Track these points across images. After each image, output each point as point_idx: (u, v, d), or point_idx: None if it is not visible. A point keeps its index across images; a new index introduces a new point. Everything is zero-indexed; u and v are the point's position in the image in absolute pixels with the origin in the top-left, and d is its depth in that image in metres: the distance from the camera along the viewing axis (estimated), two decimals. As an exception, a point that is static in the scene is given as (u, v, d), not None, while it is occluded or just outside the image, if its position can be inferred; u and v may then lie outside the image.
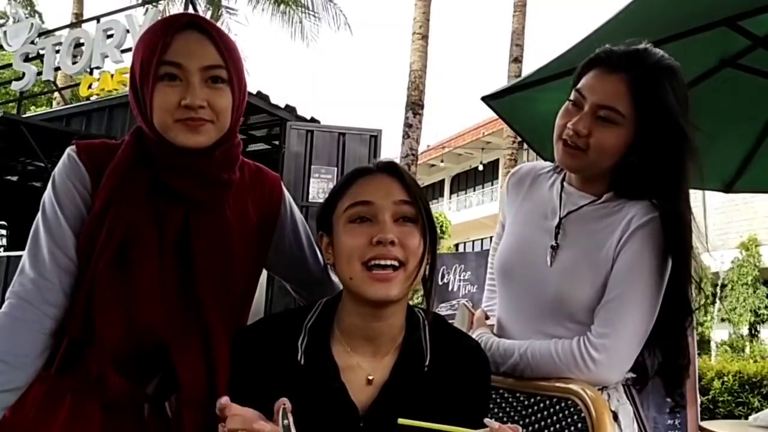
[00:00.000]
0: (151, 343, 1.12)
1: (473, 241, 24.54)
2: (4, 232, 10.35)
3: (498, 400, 1.33)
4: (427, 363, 1.12)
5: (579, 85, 1.35)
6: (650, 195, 1.33)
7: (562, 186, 1.44)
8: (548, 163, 1.54)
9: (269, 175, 1.31)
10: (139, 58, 1.12)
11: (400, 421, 0.94)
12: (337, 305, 1.15)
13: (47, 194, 1.17)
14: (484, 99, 2.79)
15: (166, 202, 1.15)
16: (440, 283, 6.61)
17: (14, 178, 10.02)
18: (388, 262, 1.06)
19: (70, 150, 1.18)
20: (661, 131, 1.28)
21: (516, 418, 1.29)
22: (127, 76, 5.77)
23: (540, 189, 1.49)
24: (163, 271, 1.14)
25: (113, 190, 1.13)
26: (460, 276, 6.54)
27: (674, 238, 1.28)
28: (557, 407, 1.24)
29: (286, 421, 0.87)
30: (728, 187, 3.34)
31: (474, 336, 1.40)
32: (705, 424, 3.54)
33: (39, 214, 1.17)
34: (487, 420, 0.96)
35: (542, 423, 1.25)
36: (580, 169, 1.37)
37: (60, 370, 1.13)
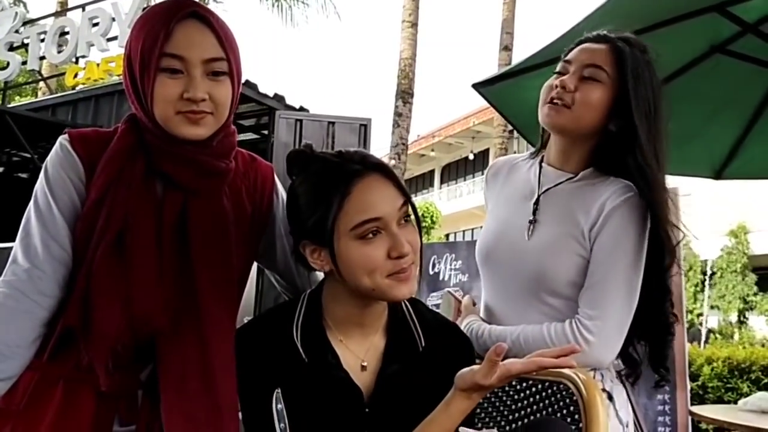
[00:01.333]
0: (147, 332, 1.12)
1: (464, 231, 24.59)
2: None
3: None
4: (422, 345, 1.14)
5: (566, 57, 1.43)
6: (627, 171, 1.36)
7: (541, 167, 1.48)
8: (521, 154, 1.60)
9: (262, 164, 1.32)
10: (139, 46, 1.10)
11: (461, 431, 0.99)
12: (319, 297, 1.16)
13: (39, 184, 1.16)
14: (475, 86, 2.78)
15: (164, 190, 1.15)
16: (431, 272, 6.63)
17: (0, 170, 9.94)
18: (405, 265, 1.07)
19: (62, 139, 1.16)
20: (639, 99, 1.35)
21: (508, 402, 1.31)
22: (113, 65, 5.72)
23: (518, 174, 1.53)
24: (161, 260, 1.14)
25: (110, 178, 1.12)
26: (451, 265, 6.54)
27: (651, 217, 1.33)
28: (549, 391, 1.25)
29: (279, 406, 0.87)
30: (718, 174, 3.36)
31: (463, 324, 1.43)
32: (695, 408, 3.58)
33: (31, 204, 1.16)
34: (462, 429, 0.99)
35: (534, 407, 1.26)
36: (564, 126, 1.40)
37: (52, 358, 1.13)
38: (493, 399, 1.33)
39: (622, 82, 1.35)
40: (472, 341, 1.29)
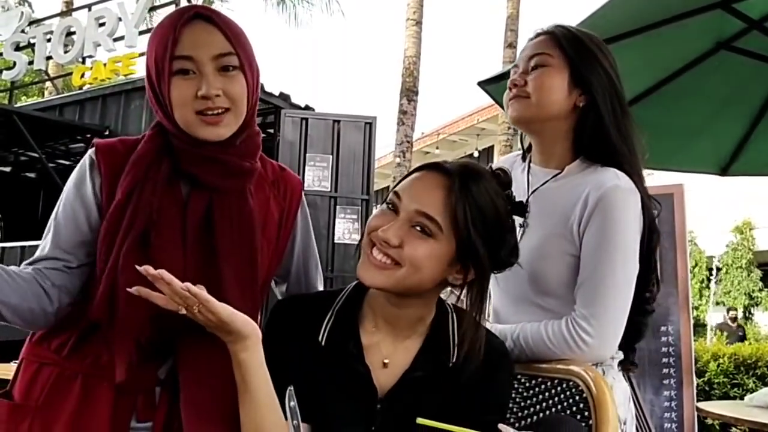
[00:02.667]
0: (171, 327, 1.12)
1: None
2: (-4, 224, 10.31)
3: None
4: (453, 360, 1.11)
5: (514, 64, 1.47)
6: (611, 157, 1.37)
7: (529, 167, 1.48)
8: (513, 155, 1.60)
9: (291, 175, 1.34)
10: (153, 56, 1.14)
11: (419, 420, 0.95)
12: (366, 289, 1.16)
13: (64, 193, 1.20)
14: (480, 84, 2.79)
15: (189, 190, 1.18)
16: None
17: (7, 169, 9.97)
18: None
19: (90, 152, 1.20)
20: (593, 74, 1.38)
21: (518, 399, 1.31)
22: (120, 65, 5.76)
23: (514, 175, 1.51)
24: (185, 257, 1.15)
25: (136, 179, 1.14)
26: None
27: (634, 208, 1.32)
28: (559, 388, 1.25)
29: (292, 403, 0.88)
30: (724, 170, 3.36)
31: None
32: (701, 404, 3.57)
33: (57, 209, 1.20)
34: (501, 426, 0.96)
35: (544, 404, 1.27)
36: (530, 116, 1.41)
37: (70, 354, 1.15)
38: None
39: (570, 60, 1.38)
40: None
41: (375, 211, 1.30)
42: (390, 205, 1.10)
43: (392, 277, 1.06)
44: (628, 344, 1.38)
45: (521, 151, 1.56)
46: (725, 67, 2.73)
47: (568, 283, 1.34)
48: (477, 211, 1.07)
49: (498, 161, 1.62)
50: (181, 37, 1.12)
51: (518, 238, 1.34)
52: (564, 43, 1.39)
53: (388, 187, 9.01)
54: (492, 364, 1.14)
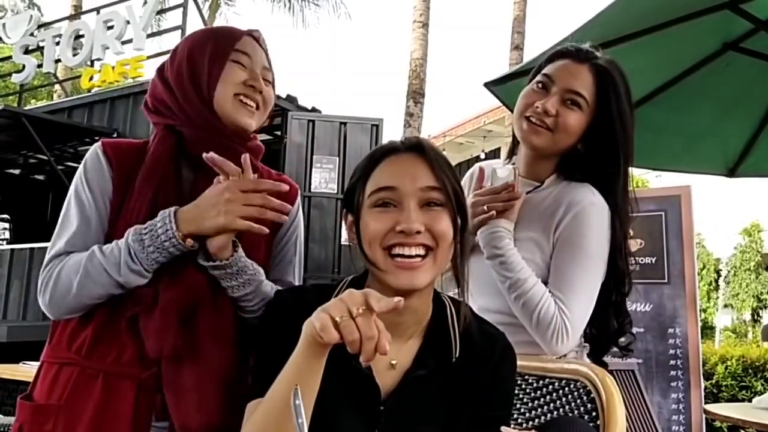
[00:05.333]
0: (194, 302, 1.18)
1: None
2: (7, 225, 10.38)
3: None
4: (456, 356, 1.09)
5: (547, 70, 1.48)
6: (590, 178, 1.46)
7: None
8: (497, 160, 1.68)
9: (288, 181, 1.38)
10: (208, 45, 1.26)
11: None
12: (363, 283, 1.13)
13: (75, 184, 1.23)
14: (487, 85, 2.79)
15: (194, 179, 1.24)
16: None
17: (16, 172, 10.03)
18: (413, 251, 1.03)
19: (96, 146, 1.25)
20: (612, 122, 1.43)
21: (525, 400, 1.31)
22: (128, 68, 5.81)
23: (496, 182, 1.53)
24: None
25: (161, 174, 1.21)
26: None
27: (611, 220, 1.43)
28: (566, 389, 1.25)
29: (297, 401, 0.87)
30: (731, 171, 3.34)
31: (503, 223, 1.44)
32: (709, 407, 3.56)
33: (68, 202, 1.23)
34: (504, 428, 0.95)
35: (552, 405, 1.27)
36: (543, 146, 1.47)
37: (90, 353, 1.16)
38: None
39: (599, 108, 1.44)
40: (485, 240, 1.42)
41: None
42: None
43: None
44: (611, 340, 1.47)
45: (500, 159, 1.66)
46: (732, 68, 2.72)
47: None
48: None
49: (477, 166, 1.64)
50: (243, 41, 1.28)
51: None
52: (601, 91, 1.44)
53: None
54: (495, 357, 1.12)
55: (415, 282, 1.03)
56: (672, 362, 3.45)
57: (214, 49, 1.26)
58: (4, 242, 9.35)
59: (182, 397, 1.15)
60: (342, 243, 6.43)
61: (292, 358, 0.95)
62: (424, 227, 1.03)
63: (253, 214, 1.14)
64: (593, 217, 1.42)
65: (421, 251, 1.03)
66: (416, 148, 1.08)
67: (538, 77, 1.49)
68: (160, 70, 1.29)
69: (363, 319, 0.88)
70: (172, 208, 1.14)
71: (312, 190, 6.66)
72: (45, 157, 7.98)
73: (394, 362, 1.09)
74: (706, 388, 4.41)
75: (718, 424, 4.51)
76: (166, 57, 1.32)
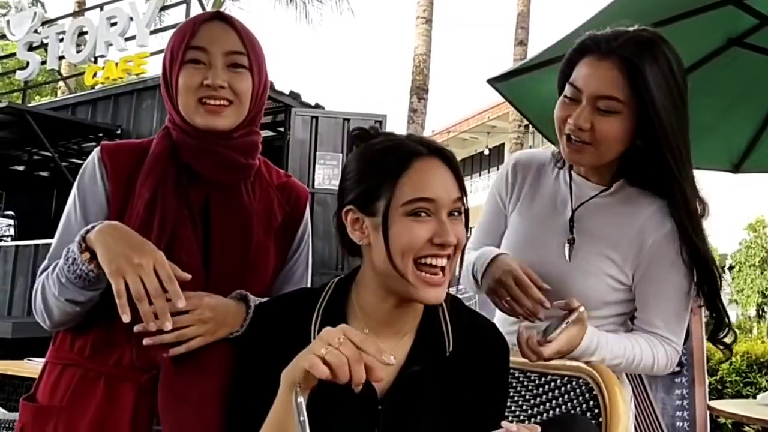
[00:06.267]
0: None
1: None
2: (12, 222, 10.40)
3: (510, 380, 1.33)
4: (450, 350, 1.09)
5: (572, 78, 1.32)
6: (658, 184, 1.34)
7: (570, 176, 1.43)
8: (545, 152, 1.53)
9: (297, 185, 1.36)
10: (170, 47, 1.21)
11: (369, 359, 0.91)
12: (351, 284, 1.12)
13: (72, 195, 1.22)
14: (490, 81, 2.78)
15: (190, 184, 1.20)
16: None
17: (21, 168, 10.07)
18: (441, 263, 1.03)
19: (95, 152, 1.23)
20: (662, 108, 1.26)
21: (528, 397, 1.31)
22: (132, 64, 5.84)
23: (545, 180, 1.47)
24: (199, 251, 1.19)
25: (158, 178, 1.19)
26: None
27: (690, 247, 1.32)
28: (569, 386, 1.25)
29: (299, 399, 0.87)
30: (736, 167, 3.33)
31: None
32: (713, 403, 3.55)
33: (64, 214, 1.22)
34: (504, 423, 0.93)
35: (554, 402, 1.27)
36: (589, 162, 1.36)
37: (92, 355, 1.16)
38: (511, 393, 1.32)
39: (640, 101, 1.26)
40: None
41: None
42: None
43: None
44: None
45: (547, 152, 1.51)
46: (737, 64, 2.71)
47: (606, 302, 1.36)
48: None
49: (524, 157, 1.54)
50: (199, 31, 1.19)
51: (567, 255, 1.37)
52: (636, 84, 1.25)
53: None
54: (489, 349, 1.12)
55: (440, 298, 1.05)
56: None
57: (171, 53, 1.20)
58: (9, 239, 9.38)
59: (179, 406, 1.13)
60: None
61: (274, 407, 0.95)
62: (456, 237, 1.03)
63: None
64: (672, 255, 1.32)
65: (446, 262, 1.04)
66: (439, 153, 1.07)
67: (566, 89, 1.33)
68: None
69: (345, 346, 0.88)
70: (83, 231, 1.09)
71: (316, 186, 6.66)
72: (49, 154, 8.01)
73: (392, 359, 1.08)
74: (710, 384, 4.41)
75: (722, 420, 4.50)
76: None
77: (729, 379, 5.08)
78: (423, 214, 1.03)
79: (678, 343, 1.35)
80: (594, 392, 1.20)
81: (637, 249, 1.34)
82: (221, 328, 1.13)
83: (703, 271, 1.32)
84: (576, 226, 1.38)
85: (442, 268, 1.04)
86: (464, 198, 1.07)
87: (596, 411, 1.18)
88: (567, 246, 1.37)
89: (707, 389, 3.38)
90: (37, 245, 7.35)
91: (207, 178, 1.20)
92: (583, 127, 1.28)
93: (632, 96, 1.26)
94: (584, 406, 1.20)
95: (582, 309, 1.21)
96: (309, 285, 1.34)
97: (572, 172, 1.43)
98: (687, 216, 1.30)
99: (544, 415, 1.26)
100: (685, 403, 3.25)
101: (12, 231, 10.33)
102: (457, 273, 1.10)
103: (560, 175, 1.45)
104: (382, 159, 1.06)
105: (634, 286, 1.37)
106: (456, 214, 1.05)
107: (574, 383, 1.24)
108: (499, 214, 1.53)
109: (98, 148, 1.23)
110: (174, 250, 1.14)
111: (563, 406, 1.24)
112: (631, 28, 1.31)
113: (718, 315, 1.37)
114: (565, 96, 1.33)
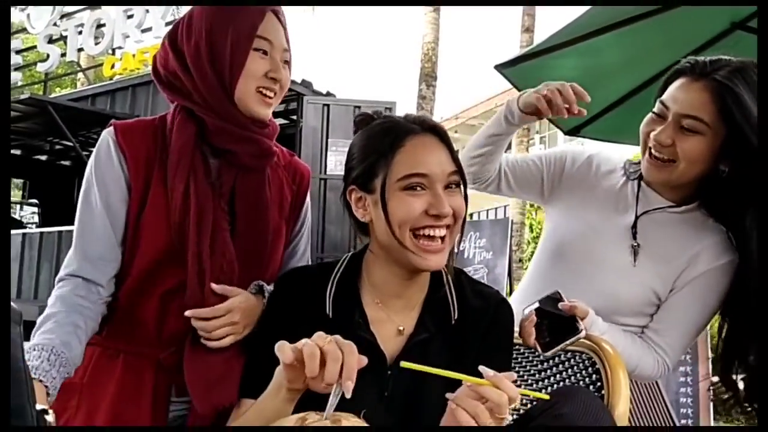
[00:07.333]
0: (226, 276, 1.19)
1: (487, 211, 24.48)
2: (36, 209, 10.50)
3: (514, 355, 1.34)
4: (455, 318, 1.12)
5: (663, 97, 1.32)
6: (730, 213, 1.32)
7: (639, 184, 1.42)
8: (621, 158, 1.52)
9: (301, 164, 1.38)
10: (228, 30, 1.18)
11: (402, 364, 0.93)
12: (362, 258, 1.16)
13: (88, 181, 1.20)
14: (498, 67, 2.76)
15: (218, 168, 1.21)
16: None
17: (43, 158, 10.14)
18: (439, 233, 1.06)
19: (106, 132, 1.20)
20: (751, 134, 1.22)
21: (532, 371, 1.32)
22: (148, 55, 5.84)
23: (608, 181, 1.47)
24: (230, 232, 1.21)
25: (188, 168, 1.18)
26: (475, 243, 6.55)
27: (740, 286, 1.31)
28: (571, 360, 1.26)
29: (338, 389, 0.88)
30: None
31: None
32: (716, 379, 3.53)
33: (81, 200, 1.19)
34: (481, 367, 0.94)
35: (558, 376, 1.28)
36: (667, 180, 1.34)
37: (110, 335, 1.19)
38: (516, 367, 1.33)
39: (727, 126, 1.24)
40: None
41: None
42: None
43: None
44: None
45: (617, 158, 1.50)
46: (740, 47, 2.68)
47: (639, 312, 1.37)
48: None
49: (590, 154, 1.53)
50: (264, 22, 1.20)
51: (633, 260, 1.37)
52: (724, 108, 1.23)
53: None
54: (492, 313, 1.15)
55: (440, 264, 1.08)
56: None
57: (236, 36, 1.17)
58: (34, 226, 9.48)
59: (205, 373, 1.15)
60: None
61: (262, 398, 1.00)
62: (452, 208, 1.06)
63: None
64: (715, 286, 1.33)
65: (444, 231, 1.07)
66: (433, 130, 1.10)
67: (656, 105, 1.33)
68: (173, 39, 1.21)
69: (330, 345, 0.89)
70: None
71: (328, 172, 6.68)
72: (70, 144, 8.06)
73: (401, 328, 1.12)
74: (713, 360, 4.39)
75: (724, 396, 4.49)
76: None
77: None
78: (418, 188, 1.06)
79: (672, 361, 1.37)
80: (597, 366, 1.20)
81: (687, 271, 1.34)
82: (247, 328, 1.19)
83: (742, 307, 1.30)
84: (639, 233, 1.37)
85: (442, 238, 1.07)
86: (461, 171, 1.09)
87: (599, 384, 1.19)
88: (631, 250, 1.36)
89: (710, 366, 3.38)
90: (60, 232, 7.43)
91: (241, 163, 1.21)
92: (664, 143, 1.28)
93: (719, 119, 1.24)
94: (587, 379, 1.21)
95: (583, 334, 1.20)
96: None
97: (642, 183, 1.42)
98: (755, 247, 1.25)
99: (548, 389, 1.27)
100: (688, 379, 3.26)
101: (36, 218, 10.44)
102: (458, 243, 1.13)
103: (629, 183, 1.44)
104: (379, 139, 1.10)
105: (664, 301, 1.37)
106: (453, 186, 1.08)
107: (577, 357, 1.25)
108: (537, 171, 1.53)
109: (110, 129, 1.20)
110: (215, 251, 1.17)
111: (567, 380, 1.25)
112: (734, 58, 1.30)
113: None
114: (653, 112, 1.33)
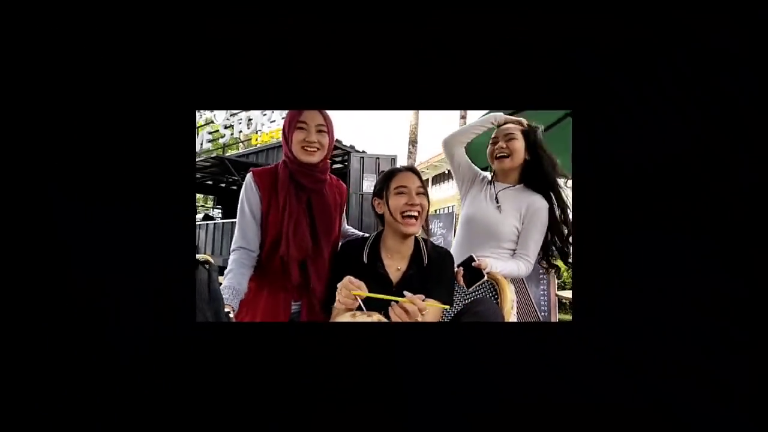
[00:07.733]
0: (305, 254, 1.15)
1: (443, 208, 24.09)
2: (220, 211, 10.59)
3: (456, 288, 1.26)
4: (425, 263, 1.12)
5: (495, 135, 1.38)
6: (539, 186, 1.36)
7: (493, 182, 1.45)
8: (485, 173, 1.53)
9: (343, 184, 1.32)
10: (287, 121, 1.16)
11: (353, 292, 0.88)
12: (381, 234, 1.17)
13: (241, 199, 1.18)
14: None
15: (300, 191, 1.18)
16: (428, 229, 6.48)
17: (223, 185, 10.23)
18: (413, 213, 1.08)
19: (249, 175, 1.19)
20: (541, 149, 1.34)
21: (465, 296, 1.28)
22: (274, 133, 5.65)
23: (482, 185, 1.47)
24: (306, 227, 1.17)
25: (286, 192, 1.16)
26: (436, 226, 6.57)
27: (551, 218, 1.33)
28: (483, 286, 1.24)
29: (358, 301, 0.88)
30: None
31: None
32: (559, 293, 3.50)
33: (239, 209, 1.18)
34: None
35: (476, 294, 1.25)
36: (510, 166, 1.38)
37: (258, 276, 1.16)
38: (456, 294, 1.27)
39: (526, 138, 1.35)
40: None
41: None
42: None
43: None
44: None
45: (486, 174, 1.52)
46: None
47: (511, 239, 1.35)
48: None
49: (479, 170, 1.53)
50: (302, 115, 1.15)
51: (498, 211, 1.37)
52: (524, 132, 1.35)
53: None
54: (443, 259, 1.15)
55: (416, 231, 1.10)
56: (541, 271, 3.39)
57: (289, 123, 1.16)
58: (219, 218, 9.57)
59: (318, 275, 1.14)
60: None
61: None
62: (420, 203, 1.09)
63: None
64: (540, 214, 1.32)
65: (416, 213, 1.09)
66: (411, 169, 1.14)
67: (491, 140, 1.39)
68: (282, 128, 1.20)
69: (345, 289, 0.93)
70: None
71: (363, 191, 6.69)
72: (236, 178, 8.12)
73: (399, 268, 1.12)
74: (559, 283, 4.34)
75: (566, 302, 4.45)
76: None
77: (569, 280, 5.00)
78: (402, 193, 1.09)
79: (532, 261, 1.33)
80: (495, 287, 1.20)
81: (525, 212, 1.34)
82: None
83: (556, 226, 1.34)
84: (499, 201, 1.39)
85: (416, 218, 1.09)
86: (425, 188, 1.12)
87: (496, 297, 1.19)
88: (497, 207, 1.38)
89: (557, 284, 3.33)
90: (232, 222, 7.49)
91: (308, 187, 1.18)
92: (502, 147, 1.36)
93: (521, 135, 1.35)
94: (491, 295, 1.21)
95: (485, 278, 1.20)
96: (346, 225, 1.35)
97: (494, 180, 1.45)
98: (554, 200, 1.34)
99: (470, 300, 1.24)
100: (545, 292, 3.22)
101: (220, 215, 10.55)
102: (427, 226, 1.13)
103: (488, 181, 1.47)
104: (386, 174, 1.14)
105: (521, 231, 1.36)
106: (421, 194, 1.11)
107: (486, 284, 1.24)
108: (471, 169, 1.51)
109: (250, 174, 1.18)
110: (296, 233, 1.13)
111: (480, 294, 1.24)
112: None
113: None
114: (492, 138, 1.41)
